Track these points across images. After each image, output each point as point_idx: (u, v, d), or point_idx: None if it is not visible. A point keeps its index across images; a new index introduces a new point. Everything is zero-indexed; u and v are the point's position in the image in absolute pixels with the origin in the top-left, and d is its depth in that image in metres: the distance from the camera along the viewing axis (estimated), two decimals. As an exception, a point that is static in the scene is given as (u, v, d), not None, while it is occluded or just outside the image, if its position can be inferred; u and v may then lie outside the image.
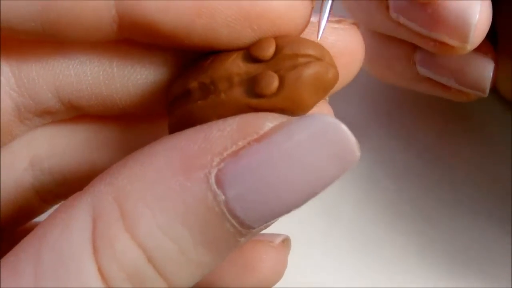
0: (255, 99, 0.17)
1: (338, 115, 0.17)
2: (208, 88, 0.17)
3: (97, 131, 0.21)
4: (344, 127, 0.16)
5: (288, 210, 0.16)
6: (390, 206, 0.30)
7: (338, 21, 0.20)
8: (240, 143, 0.16)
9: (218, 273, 0.21)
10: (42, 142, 0.21)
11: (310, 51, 0.17)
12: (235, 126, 0.16)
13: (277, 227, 0.22)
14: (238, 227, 0.16)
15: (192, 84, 0.18)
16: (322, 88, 0.17)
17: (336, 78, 0.17)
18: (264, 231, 0.23)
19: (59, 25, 0.17)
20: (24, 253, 0.16)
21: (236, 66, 0.17)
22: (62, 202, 0.17)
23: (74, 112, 0.20)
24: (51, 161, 0.21)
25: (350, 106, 0.33)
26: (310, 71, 0.17)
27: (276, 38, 0.17)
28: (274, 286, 0.23)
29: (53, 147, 0.21)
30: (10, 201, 0.21)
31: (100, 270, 0.16)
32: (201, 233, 0.16)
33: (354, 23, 0.20)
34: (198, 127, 0.17)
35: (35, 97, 0.19)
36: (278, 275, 0.22)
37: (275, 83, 0.17)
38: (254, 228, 0.16)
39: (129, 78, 0.19)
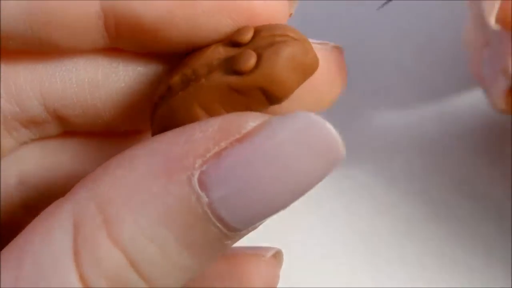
0: (233, 76, 0.17)
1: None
2: (189, 78, 0.17)
3: (85, 148, 0.21)
4: (328, 125, 0.15)
5: (274, 212, 0.16)
6: (390, 206, 0.30)
7: (321, 43, 0.20)
8: (223, 144, 0.16)
9: (207, 285, 0.21)
10: (30, 158, 0.21)
11: (289, 33, 0.17)
12: (217, 127, 0.16)
13: (277, 227, 0.22)
14: (223, 229, 0.16)
15: (174, 79, 0.18)
16: (300, 68, 0.17)
17: (315, 62, 0.17)
18: (255, 243, 0.23)
19: (48, 27, 0.17)
20: (4, 262, 0.16)
21: (217, 52, 0.17)
22: (44, 211, 0.17)
23: (60, 125, 0.20)
24: (38, 178, 0.21)
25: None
26: (287, 48, 0.17)
27: (255, 26, 0.18)
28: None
29: (40, 164, 0.21)
30: None
31: (81, 277, 0.15)
32: (185, 236, 0.15)
33: (337, 47, 0.20)
34: (180, 129, 0.16)
35: (21, 104, 0.19)
36: None
37: (252, 60, 0.17)
38: (240, 230, 0.16)
39: (113, 86, 0.19)
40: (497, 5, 0.24)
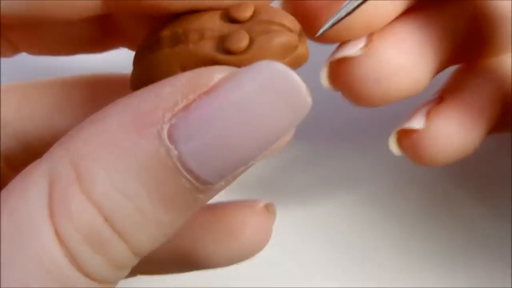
0: (222, 54, 0.17)
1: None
2: (179, 38, 0.18)
3: (64, 98, 0.21)
4: (294, 74, 0.15)
5: (243, 163, 0.16)
6: (389, 206, 0.30)
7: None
8: (191, 97, 0.16)
9: (197, 239, 0.21)
10: (9, 105, 0.21)
11: (285, 22, 0.17)
12: (185, 80, 0.16)
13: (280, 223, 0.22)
14: (194, 182, 0.16)
15: (165, 32, 0.18)
16: (290, 60, 0.17)
17: (305, 55, 0.18)
18: (247, 197, 0.23)
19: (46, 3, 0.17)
20: None
21: (212, 22, 0.17)
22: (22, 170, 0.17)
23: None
24: (17, 125, 0.21)
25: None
26: (280, 39, 0.17)
27: (256, 4, 0.18)
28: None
29: (19, 111, 0.21)
30: None
31: (57, 233, 0.15)
32: (157, 190, 0.16)
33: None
34: (150, 86, 0.16)
35: None
36: (262, 242, 0.22)
37: (244, 42, 0.17)
38: (212, 184, 0.16)
39: None
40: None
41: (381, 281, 0.28)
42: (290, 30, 0.17)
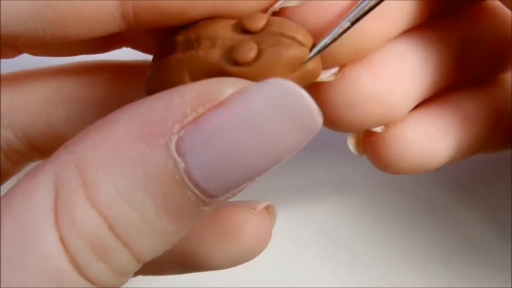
0: (228, 64, 0.17)
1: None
2: (191, 43, 0.18)
3: (56, 88, 0.21)
4: (304, 93, 0.15)
5: (249, 179, 0.16)
6: (389, 206, 0.30)
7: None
8: (200, 110, 0.15)
9: (196, 240, 0.21)
10: (3, 96, 0.21)
11: (298, 36, 0.17)
12: (195, 93, 0.16)
13: (276, 227, 0.22)
14: (200, 195, 0.16)
15: (180, 37, 0.18)
16: (299, 75, 0.17)
17: (317, 71, 0.18)
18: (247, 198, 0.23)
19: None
20: None
21: (224, 30, 0.17)
22: (27, 172, 0.17)
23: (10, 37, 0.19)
24: (11, 116, 0.21)
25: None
26: (288, 53, 0.17)
27: (270, 16, 0.18)
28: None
29: (13, 102, 0.21)
30: None
31: (61, 239, 0.15)
32: (163, 201, 0.16)
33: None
34: (159, 94, 0.16)
35: None
36: (262, 244, 0.22)
37: (252, 54, 0.17)
38: (217, 197, 0.16)
39: None
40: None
41: (380, 281, 0.28)
42: (301, 44, 0.17)
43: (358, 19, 0.18)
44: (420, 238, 0.29)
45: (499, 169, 0.30)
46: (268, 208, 0.22)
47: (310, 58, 0.17)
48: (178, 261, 0.21)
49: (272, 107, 0.15)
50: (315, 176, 0.30)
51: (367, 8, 0.18)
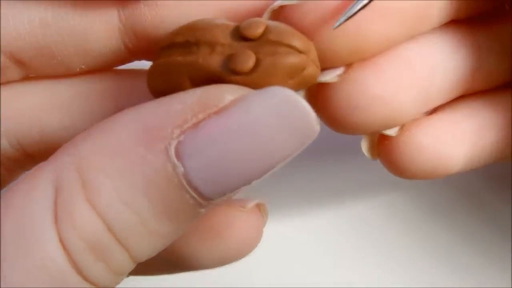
0: (227, 73, 0.17)
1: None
2: (190, 48, 0.18)
3: (51, 96, 0.21)
4: (302, 101, 0.16)
5: (246, 183, 0.16)
6: (389, 206, 0.30)
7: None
8: (200, 116, 0.16)
9: (184, 240, 0.21)
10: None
11: (295, 43, 0.17)
12: (196, 99, 0.16)
13: (276, 227, 0.22)
14: (197, 198, 0.16)
15: (179, 38, 0.18)
16: (298, 81, 0.17)
17: (314, 75, 0.18)
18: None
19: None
20: None
21: (223, 36, 0.18)
22: (27, 172, 0.17)
23: (21, 69, 0.20)
24: (5, 124, 0.21)
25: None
26: (286, 61, 0.17)
27: (268, 23, 0.18)
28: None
29: (6, 109, 0.21)
30: None
31: (61, 240, 0.16)
32: (162, 204, 0.16)
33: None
34: (161, 99, 0.17)
35: None
36: (251, 243, 0.21)
37: (250, 63, 0.17)
38: (213, 200, 0.16)
39: (63, 25, 0.20)
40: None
41: (380, 281, 0.29)
42: (299, 51, 0.17)
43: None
44: (420, 238, 0.29)
45: (499, 169, 0.29)
46: (259, 206, 0.22)
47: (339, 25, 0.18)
48: (167, 261, 0.21)
49: (271, 115, 0.16)
50: (315, 177, 0.30)
51: None
